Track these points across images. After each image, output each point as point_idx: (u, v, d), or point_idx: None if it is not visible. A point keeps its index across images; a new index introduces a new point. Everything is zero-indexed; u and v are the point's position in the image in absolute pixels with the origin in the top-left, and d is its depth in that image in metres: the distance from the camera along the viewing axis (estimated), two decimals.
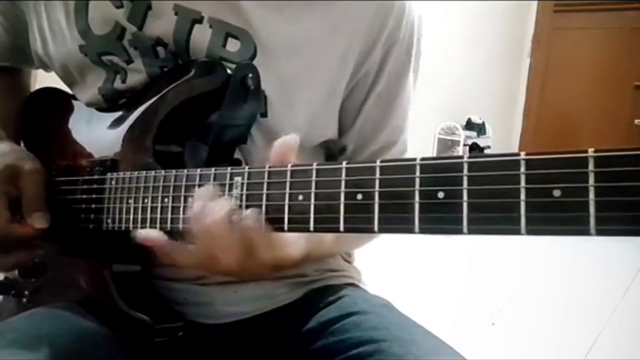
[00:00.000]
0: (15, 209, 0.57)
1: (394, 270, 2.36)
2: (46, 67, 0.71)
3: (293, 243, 0.44)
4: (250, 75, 0.53)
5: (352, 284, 0.68)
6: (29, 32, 0.65)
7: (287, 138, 0.42)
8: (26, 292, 0.64)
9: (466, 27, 3.70)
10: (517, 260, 2.61)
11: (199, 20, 0.56)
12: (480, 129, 3.98)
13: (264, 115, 0.57)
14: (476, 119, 3.92)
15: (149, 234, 0.46)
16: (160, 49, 0.57)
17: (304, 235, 0.45)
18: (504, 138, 4.47)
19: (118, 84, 0.59)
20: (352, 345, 0.53)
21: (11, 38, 0.68)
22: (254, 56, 0.56)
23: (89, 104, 0.63)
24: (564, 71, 4.50)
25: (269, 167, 0.41)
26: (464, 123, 3.89)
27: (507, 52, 4.41)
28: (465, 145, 3.89)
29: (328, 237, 0.55)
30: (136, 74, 0.58)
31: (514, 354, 1.65)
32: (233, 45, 0.56)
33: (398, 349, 0.51)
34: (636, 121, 4.13)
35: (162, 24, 0.56)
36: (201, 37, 0.56)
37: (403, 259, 2.53)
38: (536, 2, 4.55)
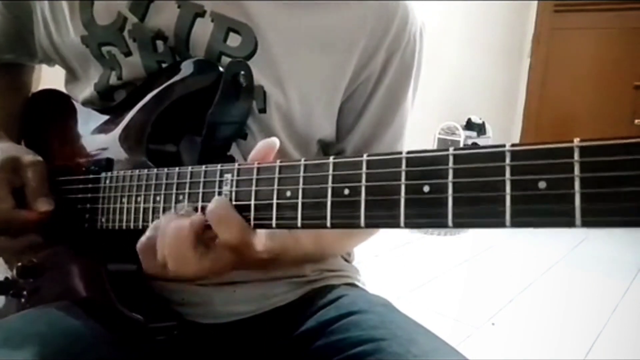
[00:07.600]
0: (18, 198, 0.58)
1: (394, 270, 2.36)
2: (49, 61, 0.71)
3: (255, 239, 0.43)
4: (242, 72, 0.53)
5: (352, 284, 0.68)
6: (33, 24, 0.66)
7: (268, 140, 0.42)
8: (24, 293, 0.64)
9: (466, 27, 3.70)
10: (517, 260, 2.61)
11: (201, 14, 0.56)
12: (480, 129, 3.97)
13: (263, 111, 0.57)
14: (476, 119, 3.91)
15: None
16: (159, 43, 0.57)
17: (270, 234, 0.45)
18: (504, 138, 4.46)
19: (114, 80, 0.59)
20: (351, 344, 0.53)
21: (14, 29, 0.68)
22: (254, 51, 0.56)
23: (85, 102, 0.63)
24: (564, 71, 4.49)
25: (258, 163, 0.41)
26: (464, 123, 3.88)
27: (507, 52, 4.40)
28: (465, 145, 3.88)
29: (307, 237, 0.55)
30: (132, 69, 0.58)
31: (514, 354, 1.65)
32: (234, 40, 0.56)
33: (398, 348, 0.51)
34: (636, 121, 4.11)
35: (164, 16, 0.56)
36: (202, 32, 0.56)
37: (403, 259, 2.53)
38: (536, 2, 4.55)
